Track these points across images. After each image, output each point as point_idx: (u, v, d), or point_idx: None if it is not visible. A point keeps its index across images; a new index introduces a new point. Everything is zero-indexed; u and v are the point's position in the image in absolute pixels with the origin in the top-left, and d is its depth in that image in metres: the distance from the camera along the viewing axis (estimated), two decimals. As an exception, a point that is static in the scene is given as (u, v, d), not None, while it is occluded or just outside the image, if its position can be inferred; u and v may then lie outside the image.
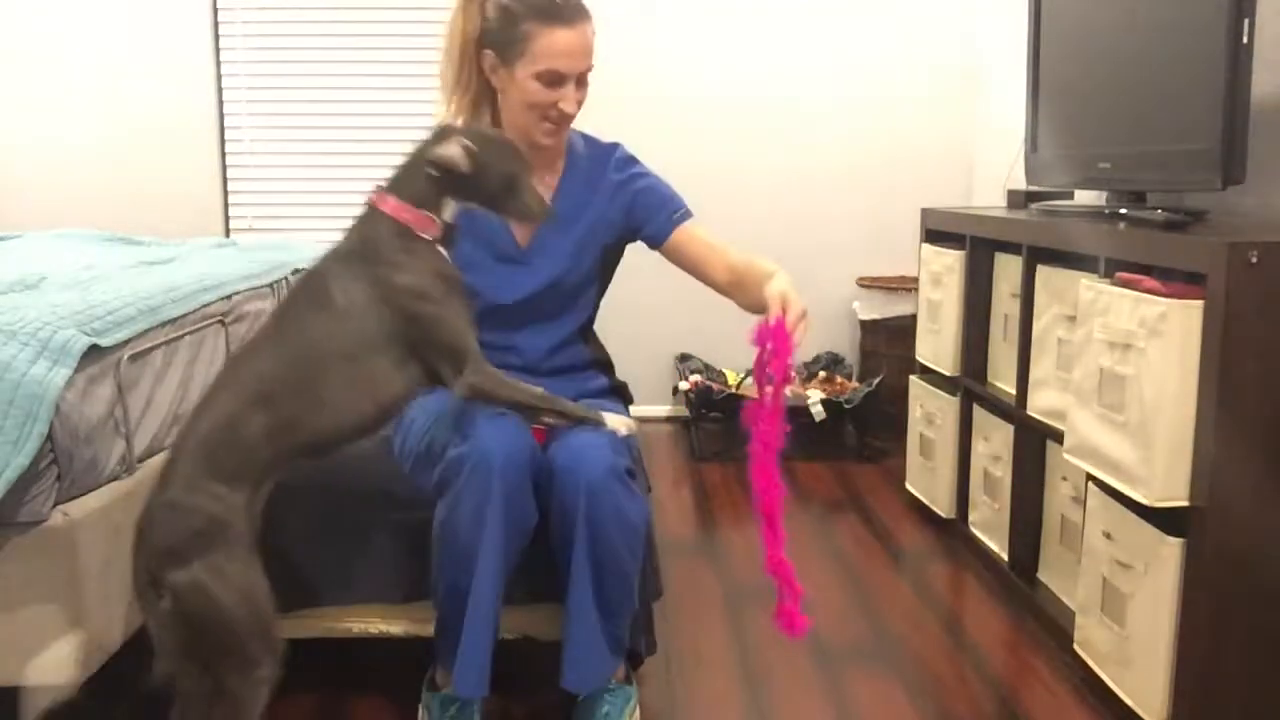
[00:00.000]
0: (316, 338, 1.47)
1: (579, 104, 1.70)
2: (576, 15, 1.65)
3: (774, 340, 1.46)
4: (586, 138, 1.87)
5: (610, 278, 1.93)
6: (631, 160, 1.87)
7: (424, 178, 1.52)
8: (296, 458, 1.48)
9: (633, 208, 1.83)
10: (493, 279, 1.79)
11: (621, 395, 1.96)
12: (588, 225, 1.81)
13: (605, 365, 1.96)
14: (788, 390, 1.53)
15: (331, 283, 1.49)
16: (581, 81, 1.69)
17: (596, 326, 1.96)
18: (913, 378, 2.88)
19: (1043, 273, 2.18)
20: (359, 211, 1.56)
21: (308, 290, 1.52)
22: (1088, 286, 1.85)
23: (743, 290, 1.72)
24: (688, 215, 1.83)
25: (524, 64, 1.65)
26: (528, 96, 1.67)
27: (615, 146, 1.87)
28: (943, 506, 2.70)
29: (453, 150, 1.49)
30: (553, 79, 1.65)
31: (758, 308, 1.59)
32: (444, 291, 1.51)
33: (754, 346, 1.49)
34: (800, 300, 1.51)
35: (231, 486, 1.41)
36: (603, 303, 1.94)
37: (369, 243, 1.52)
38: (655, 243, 1.84)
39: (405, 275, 1.49)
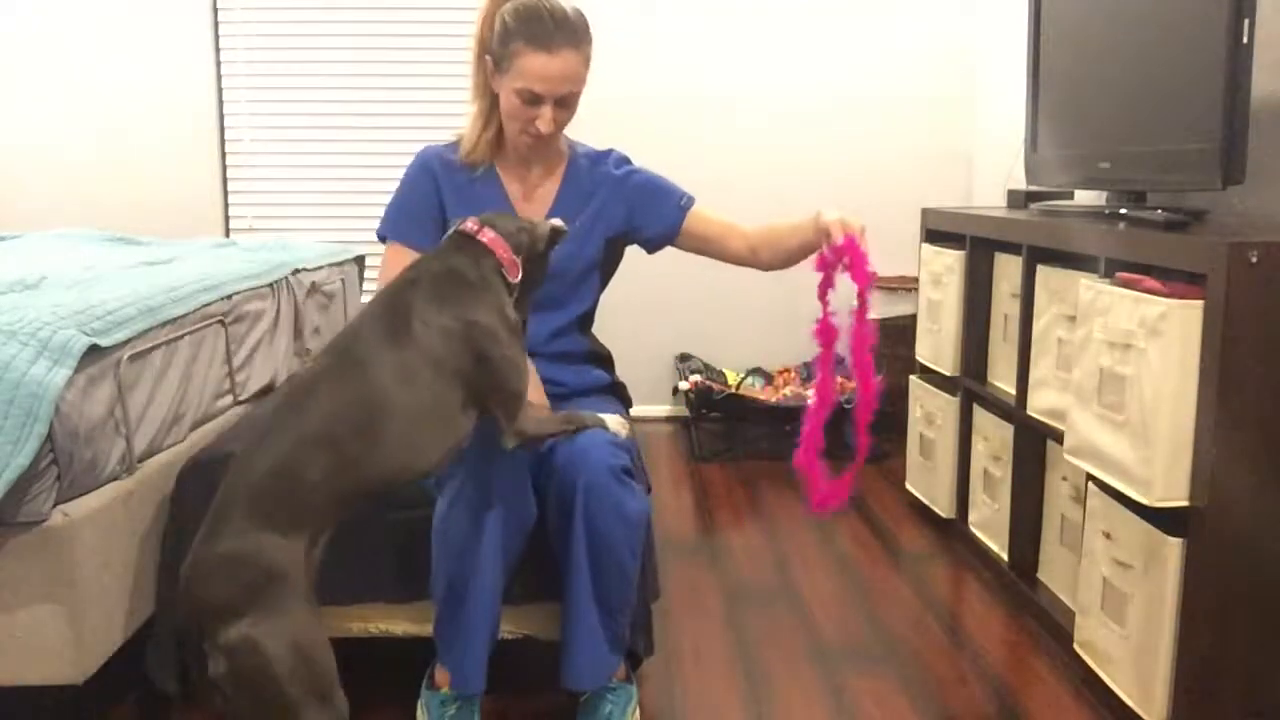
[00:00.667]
0: (389, 375, 1.39)
1: (558, 125, 1.74)
2: (564, 43, 1.67)
3: (850, 253, 1.57)
4: (584, 145, 1.93)
5: (611, 274, 1.96)
6: (627, 160, 1.93)
7: (520, 232, 1.59)
8: (357, 503, 1.40)
9: (635, 202, 1.87)
10: None
11: (620, 395, 1.98)
12: (590, 216, 1.85)
13: (603, 360, 1.98)
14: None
15: (414, 314, 1.44)
16: (563, 104, 1.72)
17: (597, 328, 1.98)
18: (913, 378, 2.88)
19: (1043, 273, 2.18)
20: (450, 237, 1.57)
21: (388, 317, 1.45)
22: (1088, 286, 1.85)
23: (773, 247, 1.81)
24: (693, 200, 1.89)
25: (509, 78, 1.70)
26: (509, 108, 1.74)
27: (611, 151, 1.93)
28: (943, 506, 2.70)
29: (564, 227, 1.64)
30: (530, 98, 1.69)
31: (787, 259, 1.79)
32: (509, 335, 1.51)
33: (818, 272, 1.63)
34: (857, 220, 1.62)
35: (289, 535, 1.31)
36: (603, 303, 1.95)
37: (467, 269, 1.51)
38: (669, 235, 1.88)
39: (485, 313, 1.48)
